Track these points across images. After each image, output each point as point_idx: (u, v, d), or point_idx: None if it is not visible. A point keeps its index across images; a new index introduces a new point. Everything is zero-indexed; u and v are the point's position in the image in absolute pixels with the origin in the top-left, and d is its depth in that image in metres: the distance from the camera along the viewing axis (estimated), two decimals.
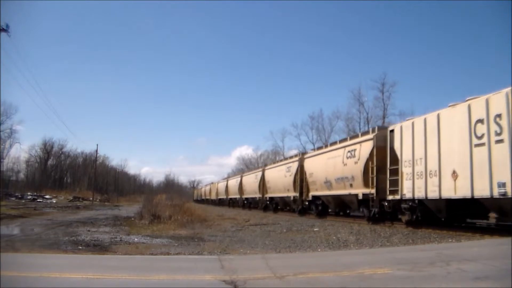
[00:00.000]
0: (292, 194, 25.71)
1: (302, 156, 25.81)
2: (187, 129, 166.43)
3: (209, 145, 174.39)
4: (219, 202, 54.78)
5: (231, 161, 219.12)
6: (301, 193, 24.44)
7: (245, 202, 39.13)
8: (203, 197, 75.50)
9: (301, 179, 24.61)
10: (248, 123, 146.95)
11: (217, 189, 57.77)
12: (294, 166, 25.91)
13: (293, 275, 6.21)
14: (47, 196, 55.34)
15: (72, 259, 8.41)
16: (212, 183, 69.49)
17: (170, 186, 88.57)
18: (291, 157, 30.35)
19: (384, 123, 41.77)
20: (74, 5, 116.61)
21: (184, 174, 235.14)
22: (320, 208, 22.23)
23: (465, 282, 5.39)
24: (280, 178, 28.36)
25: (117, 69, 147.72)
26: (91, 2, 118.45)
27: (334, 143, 22.20)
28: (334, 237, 12.20)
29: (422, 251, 8.61)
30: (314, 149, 26.25)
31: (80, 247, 10.22)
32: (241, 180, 41.24)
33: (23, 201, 45.57)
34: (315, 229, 15.00)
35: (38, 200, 49.09)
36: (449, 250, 8.58)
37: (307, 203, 23.79)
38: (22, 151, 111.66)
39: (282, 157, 52.69)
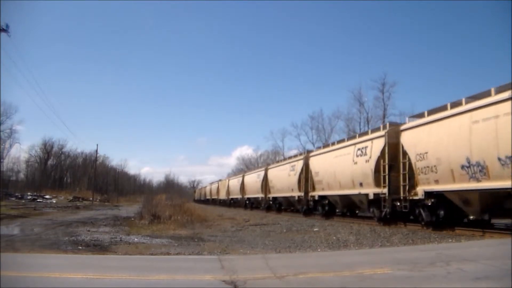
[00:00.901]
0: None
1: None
2: (187, 129, 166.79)
3: (210, 145, 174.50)
4: (231, 203, 45.68)
5: (231, 161, 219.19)
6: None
7: (272, 202, 31.20)
8: (208, 197, 67.66)
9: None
10: (248, 123, 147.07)
11: (228, 187, 48.35)
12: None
13: (293, 275, 6.20)
14: (47, 196, 55.33)
15: (72, 259, 8.40)
16: (220, 180, 60.74)
17: (170, 186, 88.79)
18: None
19: (384, 123, 41.72)
20: (74, 5, 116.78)
21: (184, 174, 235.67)
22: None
23: (465, 282, 5.39)
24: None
25: (117, 69, 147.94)
26: (91, 2, 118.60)
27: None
28: (334, 237, 12.19)
29: (422, 251, 8.60)
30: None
31: (80, 247, 10.21)
32: (265, 174, 32.77)
33: (23, 201, 45.56)
34: (315, 229, 14.99)
35: (38, 200, 49.07)
36: (449, 250, 8.59)
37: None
38: (22, 151, 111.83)
39: (282, 157, 52.47)
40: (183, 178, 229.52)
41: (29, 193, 56.44)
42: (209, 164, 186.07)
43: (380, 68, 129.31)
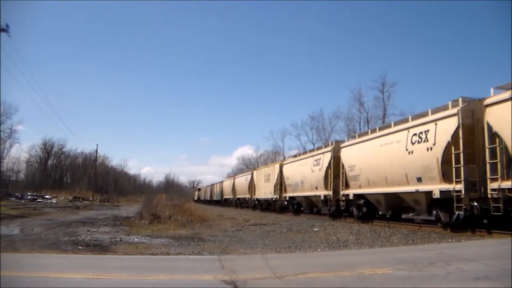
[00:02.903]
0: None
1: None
2: (188, 129, 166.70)
3: (211, 145, 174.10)
4: (277, 208, 28.39)
5: (232, 161, 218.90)
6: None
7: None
8: (225, 196, 50.23)
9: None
10: (249, 123, 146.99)
11: (276, 177, 28.52)
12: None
13: (293, 275, 6.20)
14: (47, 196, 55.32)
15: (72, 259, 8.40)
16: (249, 172, 40.98)
17: (170, 186, 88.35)
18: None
19: (384, 123, 41.60)
20: (74, 5, 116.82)
21: (184, 174, 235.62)
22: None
23: (465, 282, 5.39)
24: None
25: (117, 69, 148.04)
26: (91, 2, 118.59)
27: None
28: (334, 237, 12.19)
29: (422, 251, 8.60)
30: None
31: (80, 247, 10.21)
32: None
33: (23, 201, 45.53)
34: (315, 229, 15.00)
35: (38, 200, 49.06)
36: (449, 250, 8.59)
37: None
38: (22, 151, 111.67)
39: (282, 157, 52.06)
40: (183, 178, 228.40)
41: (29, 193, 56.45)
42: (210, 164, 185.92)
43: (380, 68, 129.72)
